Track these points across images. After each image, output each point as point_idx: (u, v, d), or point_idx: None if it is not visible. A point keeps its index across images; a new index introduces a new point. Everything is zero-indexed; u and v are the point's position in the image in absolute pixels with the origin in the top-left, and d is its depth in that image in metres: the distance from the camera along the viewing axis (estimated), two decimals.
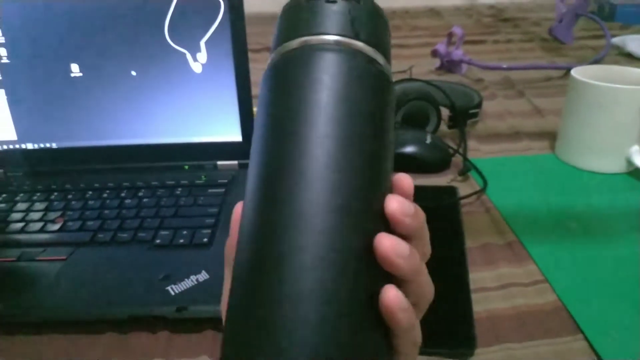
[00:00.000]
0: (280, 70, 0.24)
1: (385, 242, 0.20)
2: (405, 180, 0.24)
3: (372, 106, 0.23)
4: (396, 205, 0.21)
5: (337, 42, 0.23)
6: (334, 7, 0.24)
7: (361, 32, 0.24)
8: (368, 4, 0.25)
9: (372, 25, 0.25)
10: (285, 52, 0.24)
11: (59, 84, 0.66)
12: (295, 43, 0.24)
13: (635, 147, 0.67)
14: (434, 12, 1.91)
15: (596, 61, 1.13)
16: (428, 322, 0.46)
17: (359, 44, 0.24)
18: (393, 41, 1.46)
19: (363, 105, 0.22)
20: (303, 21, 0.24)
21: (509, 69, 1.10)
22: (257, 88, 0.74)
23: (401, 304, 0.20)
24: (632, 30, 1.47)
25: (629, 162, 0.67)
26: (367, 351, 0.19)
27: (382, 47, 0.25)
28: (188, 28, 0.64)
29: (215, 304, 0.45)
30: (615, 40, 1.28)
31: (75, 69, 0.65)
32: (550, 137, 0.79)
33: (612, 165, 0.69)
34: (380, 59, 0.24)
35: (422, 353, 0.42)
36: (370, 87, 0.23)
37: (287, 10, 0.26)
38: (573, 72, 0.70)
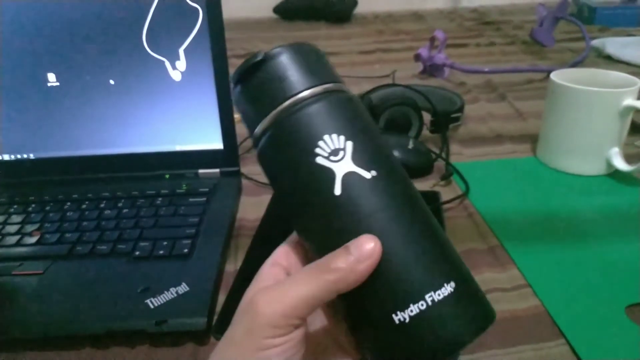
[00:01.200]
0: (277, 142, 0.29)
1: None
2: None
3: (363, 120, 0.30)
4: None
5: (308, 96, 0.29)
6: (286, 70, 0.29)
7: (318, 77, 0.30)
8: (305, 49, 0.31)
9: (320, 65, 0.31)
10: (266, 128, 0.29)
11: (36, 93, 0.65)
12: (270, 118, 0.29)
13: (614, 149, 0.67)
14: (417, 16, 1.92)
15: (576, 64, 1.14)
16: None
17: (326, 86, 0.30)
18: (377, 45, 1.47)
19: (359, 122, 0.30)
20: (269, 93, 0.29)
21: (491, 72, 1.10)
22: None
23: None
24: (611, 33, 1.49)
25: (609, 164, 0.68)
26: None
27: (333, 74, 0.31)
28: (166, 36, 0.63)
29: (195, 316, 0.44)
30: (595, 42, 1.29)
31: (52, 79, 0.64)
32: (532, 140, 0.79)
33: (592, 167, 0.69)
34: (340, 86, 0.31)
35: None
36: (350, 111, 0.30)
37: (247, 87, 0.30)
38: (552, 75, 0.70)
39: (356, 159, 0.28)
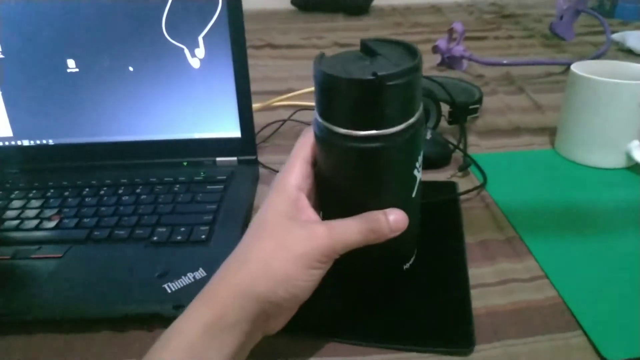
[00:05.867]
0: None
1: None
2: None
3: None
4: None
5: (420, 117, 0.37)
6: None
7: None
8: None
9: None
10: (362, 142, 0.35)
11: (55, 79, 0.65)
12: (402, 125, 0.35)
13: (635, 142, 0.66)
14: (435, 9, 1.90)
15: (596, 57, 1.13)
16: (427, 318, 0.46)
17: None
18: (395, 37, 1.45)
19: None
20: (411, 103, 0.36)
21: (509, 64, 1.09)
22: (256, 84, 0.72)
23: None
24: (632, 27, 1.46)
25: (629, 157, 0.67)
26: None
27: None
28: (186, 23, 0.63)
29: None
30: (615, 36, 1.27)
31: (71, 65, 0.65)
32: (550, 132, 0.78)
33: (611, 160, 0.68)
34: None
35: (420, 350, 0.41)
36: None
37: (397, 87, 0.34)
38: (573, 67, 0.69)
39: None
